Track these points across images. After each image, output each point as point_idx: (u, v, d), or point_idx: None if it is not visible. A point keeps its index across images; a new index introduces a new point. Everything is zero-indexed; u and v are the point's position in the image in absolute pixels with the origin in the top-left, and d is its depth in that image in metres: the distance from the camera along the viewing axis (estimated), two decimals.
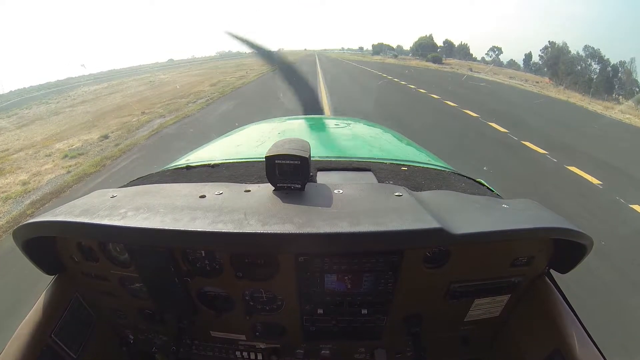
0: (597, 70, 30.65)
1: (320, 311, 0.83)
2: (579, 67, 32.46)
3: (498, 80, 24.98)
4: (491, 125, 7.50)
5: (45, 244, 0.81)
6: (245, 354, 0.96)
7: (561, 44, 36.19)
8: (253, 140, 1.67)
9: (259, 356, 0.95)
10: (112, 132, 7.60)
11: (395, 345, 0.93)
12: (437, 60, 49.59)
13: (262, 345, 0.94)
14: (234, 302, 0.84)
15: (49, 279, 0.87)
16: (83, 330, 0.90)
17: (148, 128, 7.56)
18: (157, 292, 0.84)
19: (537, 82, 27.35)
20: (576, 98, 17.11)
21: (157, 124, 7.84)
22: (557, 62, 33.40)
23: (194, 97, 12.37)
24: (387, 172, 1.05)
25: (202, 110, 9.23)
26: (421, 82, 16.16)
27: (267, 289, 0.81)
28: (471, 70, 35.47)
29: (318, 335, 0.88)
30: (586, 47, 33.50)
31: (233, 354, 0.96)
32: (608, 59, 31.09)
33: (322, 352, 0.93)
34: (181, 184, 0.82)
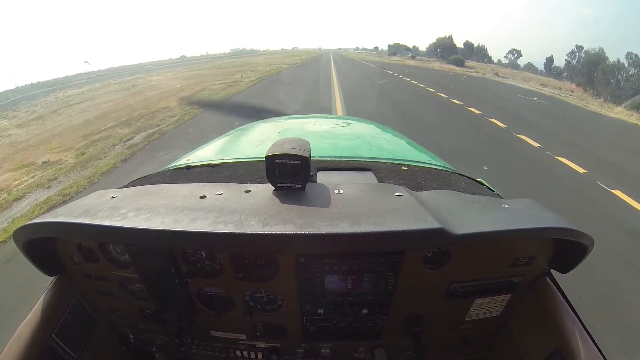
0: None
1: (320, 311, 0.83)
2: (620, 77, 28.42)
3: (535, 89, 21.74)
4: None
5: (46, 245, 0.81)
6: (245, 353, 0.95)
7: (597, 49, 31.98)
8: (253, 140, 1.63)
9: (259, 355, 0.95)
10: None
11: (396, 345, 0.93)
12: (459, 62, 45.99)
13: (262, 345, 0.93)
14: (234, 302, 0.84)
15: (49, 280, 0.86)
16: (83, 330, 0.90)
17: None
18: (157, 293, 0.83)
19: (572, 91, 24.93)
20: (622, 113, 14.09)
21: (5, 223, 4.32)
22: (592, 69, 29.36)
23: (145, 122, 9.41)
24: (388, 172, 1.04)
25: (113, 172, 5.57)
26: (475, 100, 11.78)
27: (267, 289, 0.81)
28: (498, 75, 33.55)
29: (318, 335, 0.88)
30: (629, 55, 29.16)
31: (233, 354, 0.96)
32: None
33: (322, 351, 0.93)
34: (181, 184, 0.81)
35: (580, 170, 5.13)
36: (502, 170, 4.90)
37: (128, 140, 7.47)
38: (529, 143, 6.62)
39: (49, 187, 5.38)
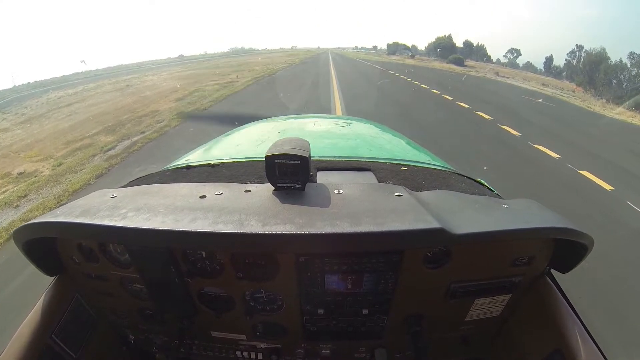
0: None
1: (320, 311, 0.82)
2: (622, 77, 28.26)
3: (537, 89, 21.33)
4: None
5: (46, 245, 0.80)
6: (245, 353, 0.95)
7: (599, 49, 31.62)
8: (253, 140, 1.63)
9: (260, 356, 0.94)
10: None
11: (396, 344, 0.92)
12: (459, 62, 45.49)
13: (263, 345, 0.93)
14: (235, 302, 0.83)
15: (49, 280, 0.86)
16: (83, 330, 0.89)
17: None
18: (158, 293, 0.83)
19: (573, 91, 24.66)
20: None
21: None
22: (594, 68, 29.07)
23: (131, 127, 8.95)
24: (387, 172, 1.03)
25: (86, 189, 4.99)
26: (482, 103, 11.23)
27: (267, 289, 0.80)
28: (498, 75, 32.74)
29: (319, 335, 0.87)
30: (631, 55, 28.84)
31: (233, 354, 0.96)
32: None
33: (323, 351, 0.93)
34: (181, 184, 0.81)
35: (607, 187, 4.60)
36: (525, 189, 4.39)
37: (109, 150, 7.02)
38: (548, 154, 6.13)
39: (17, 206, 4.91)
